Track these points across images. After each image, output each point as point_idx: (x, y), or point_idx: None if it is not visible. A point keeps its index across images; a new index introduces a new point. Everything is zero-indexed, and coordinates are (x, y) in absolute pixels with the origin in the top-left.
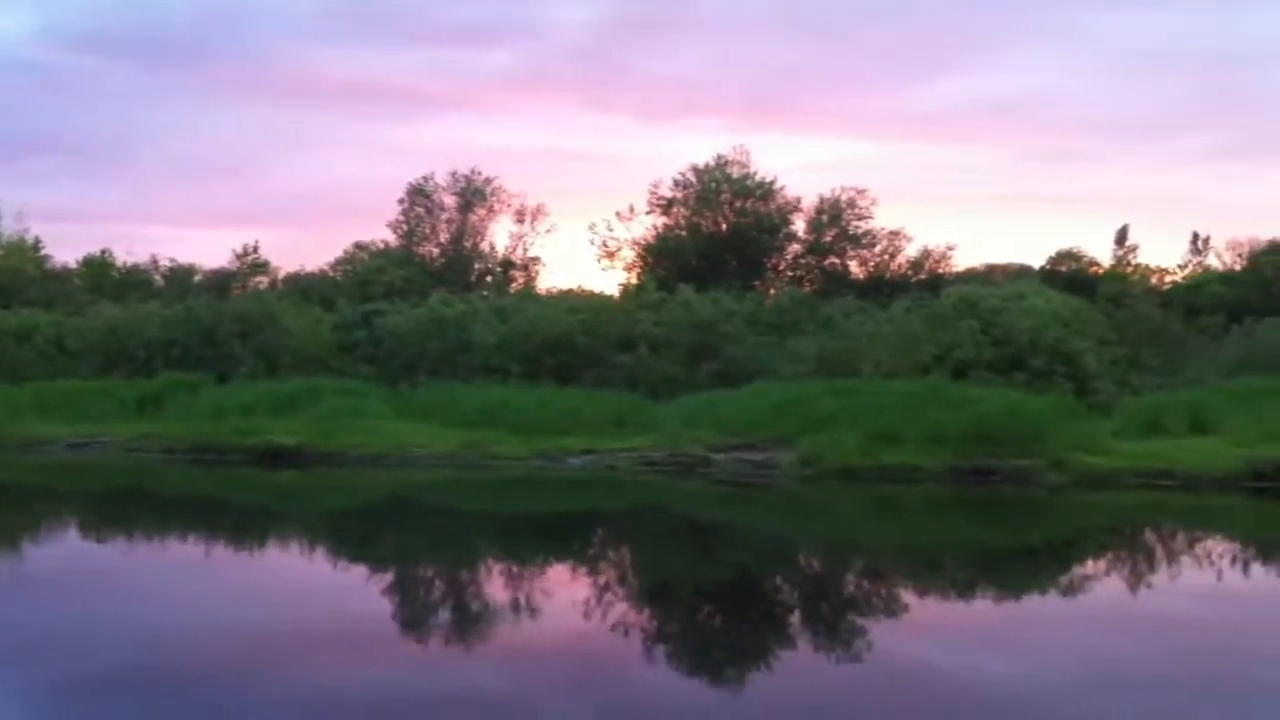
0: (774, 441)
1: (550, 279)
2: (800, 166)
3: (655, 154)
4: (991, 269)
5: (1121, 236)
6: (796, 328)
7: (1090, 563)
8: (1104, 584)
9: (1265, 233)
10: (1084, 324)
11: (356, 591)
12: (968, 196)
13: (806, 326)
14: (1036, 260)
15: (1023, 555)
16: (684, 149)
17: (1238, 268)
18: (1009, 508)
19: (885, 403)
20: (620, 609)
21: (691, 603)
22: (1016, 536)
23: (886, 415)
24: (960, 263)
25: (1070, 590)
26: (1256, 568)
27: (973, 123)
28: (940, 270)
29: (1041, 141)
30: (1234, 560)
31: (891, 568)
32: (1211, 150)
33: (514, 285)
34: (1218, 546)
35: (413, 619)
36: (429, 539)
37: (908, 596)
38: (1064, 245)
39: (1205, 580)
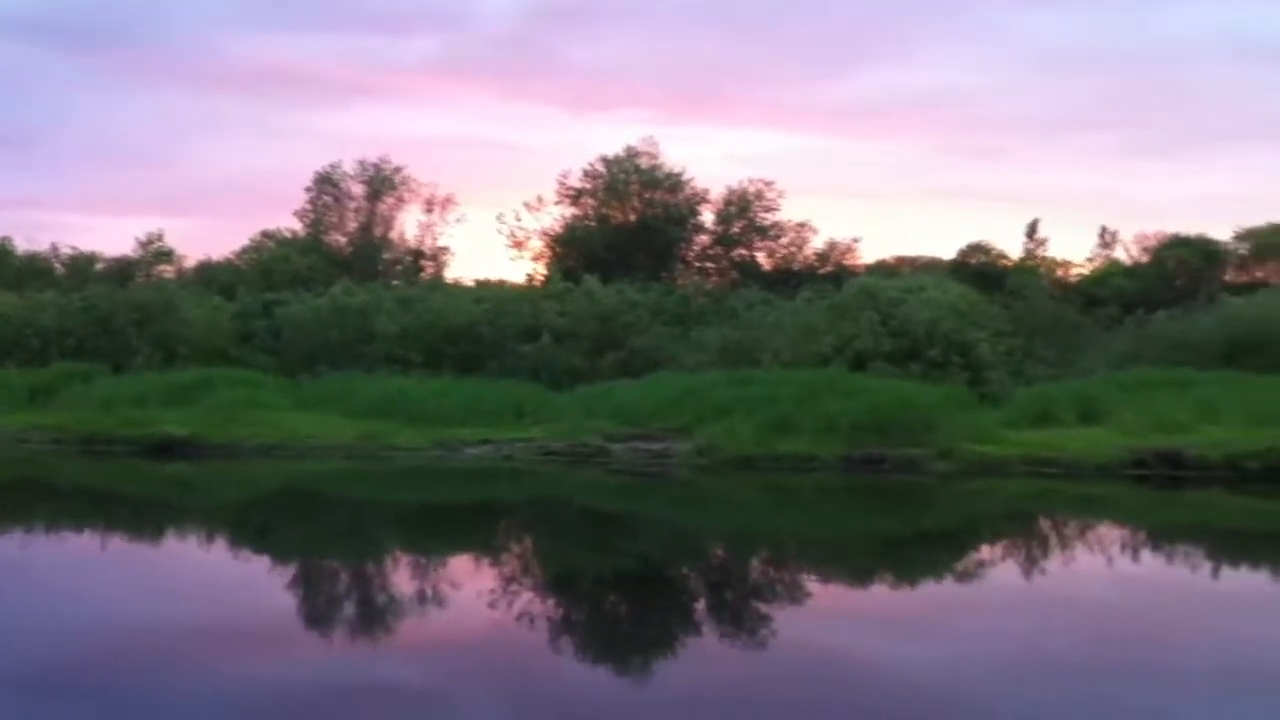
0: (671, 431)
1: (462, 269)
2: (722, 158)
3: (577, 144)
4: (901, 261)
5: (1032, 230)
6: (701, 319)
7: (981, 549)
8: (994, 569)
9: (1172, 228)
10: (980, 316)
11: (246, 585)
12: (886, 191)
13: (711, 317)
14: (951, 253)
15: (916, 542)
16: (606, 140)
17: (1144, 261)
18: (898, 495)
19: (782, 393)
20: (522, 600)
21: (593, 592)
22: (907, 524)
23: (783, 405)
24: (874, 255)
25: (965, 576)
26: (1142, 552)
27: (892, 117)
28: (846, 262)
29: (958, 137)
30: (1121, 545)
31: (792, 556)
32: (1123, 147)
33: (425, 275)
34: (1102, 532)
35: (309, 613)
36: (321, 531)
37: (811, 584)
38: (975, 238)
39: (1091, 564)
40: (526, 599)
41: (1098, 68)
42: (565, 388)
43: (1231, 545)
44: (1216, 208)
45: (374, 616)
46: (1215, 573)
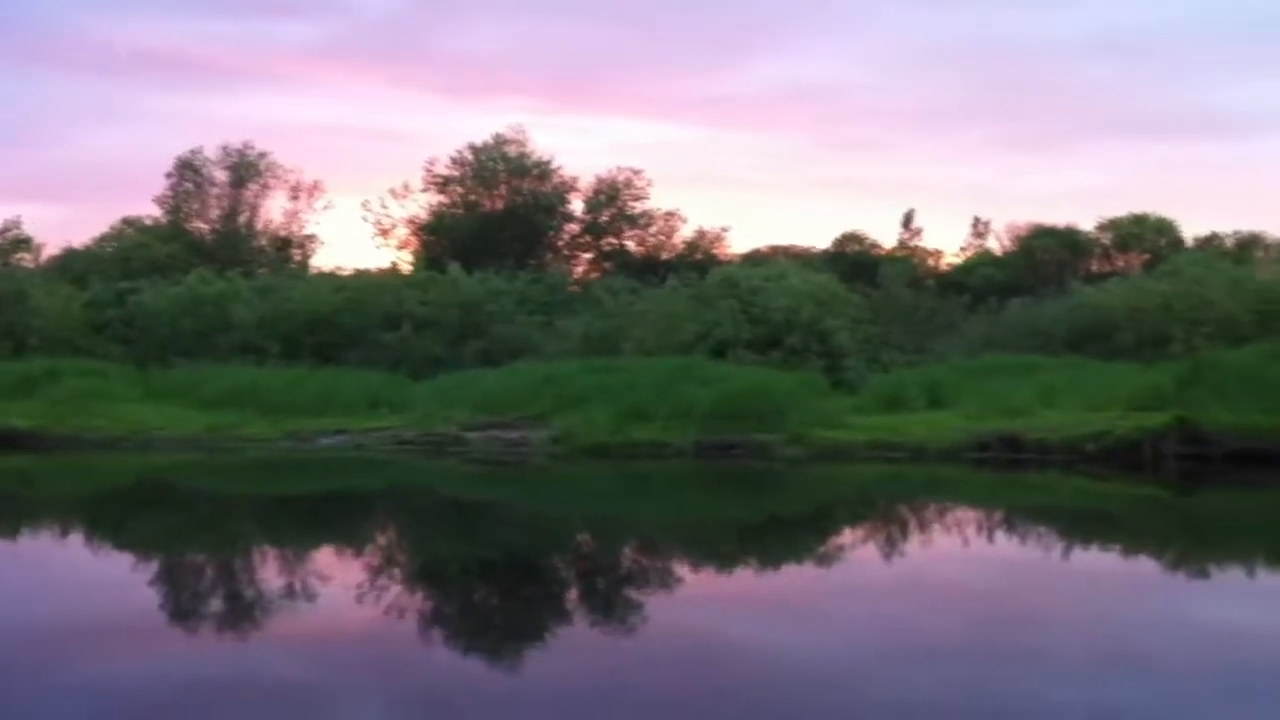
0: (528, 420)
1: (333, 258)
2: (605, 148)
3: (458, 132)
4: (775, 250)
5: (908, 220)
6: (567, 307)
7: (836, 532)
8: (850, 552)
9: (1045, 219)
10: (840, 304)
11: (96, 585)
12: (767, 182)
13: (577, 306)
14: (827, 243)
15: (773, 527)
16: (487, 128)
17: (1011, 251)
18: (749, 481)
19: (640, 380)
20: (388, 592)
21: (457, 583)
22: (761, 508)
23: (639, 393)
24: (750, 245)
25: (823, 559)
26: (988, 533)
27: (772, 109)
28: (715, 251)
29: (837, 129)
30: (968, 526)
31: (654, 542)
32: (998, 140)
33: (294, 264)
34: (948, 513)
35: (166, 611)
36: (168, 525)
37: (677, 570)
38: (853, 228)
39: (940, 544)
40: (390, 590)
41: (973, 62)
42: (426, 377)
43: (1073, 524)
44: (1088, 199)
45: (236, 613)
46: (1064, 551)
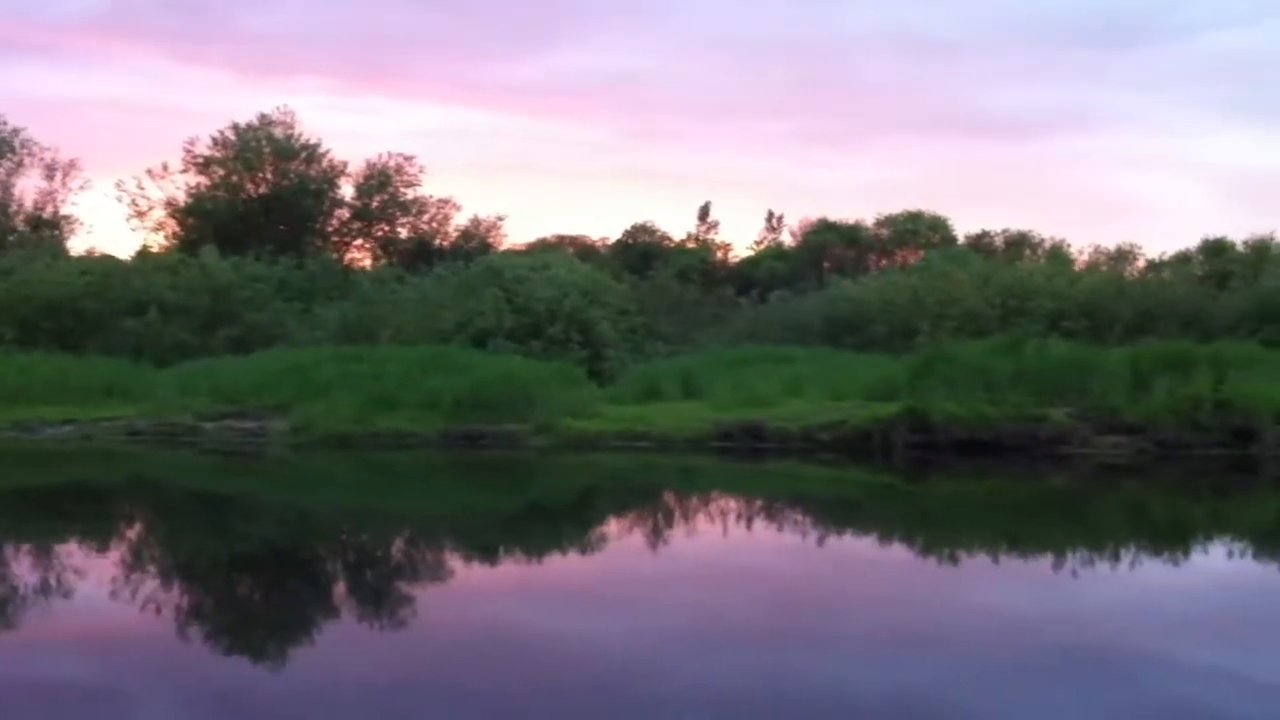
0: (269, 409)
1: (95, 241)
2: (404, 133)
3: (250, 113)
4: (561, 240)
5: (704, 213)
6: (329, 295)
7: (590, 520)
8: (602, 539)
9: (840, 213)
10: (605, 294)
11: None
12: (568, 170)
13: (339, 294)
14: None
15: (528, 517)
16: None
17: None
18: (492, 470)
19: (388, 369)
20: (131, 588)
21: (205, 579)
22: (510, 498)
23: (387, 382)
24: (540, 233)
25: (581, 547)
26: (739, 520)
27: (575, 97)
28: (490, 239)
29: (640, 119)
30: (719, 514)
31: (406, 533)
32: (798, 134)
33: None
34: (699, 501)
35: None
36: None
37: (434, 561)
38: (649, 219)
39: (691, 530)
40: (108, 593)
41: (774, 56)
42: (172, 365)
43: (817, 510)
44: (880, 194)
45: None
46: (816, 537)
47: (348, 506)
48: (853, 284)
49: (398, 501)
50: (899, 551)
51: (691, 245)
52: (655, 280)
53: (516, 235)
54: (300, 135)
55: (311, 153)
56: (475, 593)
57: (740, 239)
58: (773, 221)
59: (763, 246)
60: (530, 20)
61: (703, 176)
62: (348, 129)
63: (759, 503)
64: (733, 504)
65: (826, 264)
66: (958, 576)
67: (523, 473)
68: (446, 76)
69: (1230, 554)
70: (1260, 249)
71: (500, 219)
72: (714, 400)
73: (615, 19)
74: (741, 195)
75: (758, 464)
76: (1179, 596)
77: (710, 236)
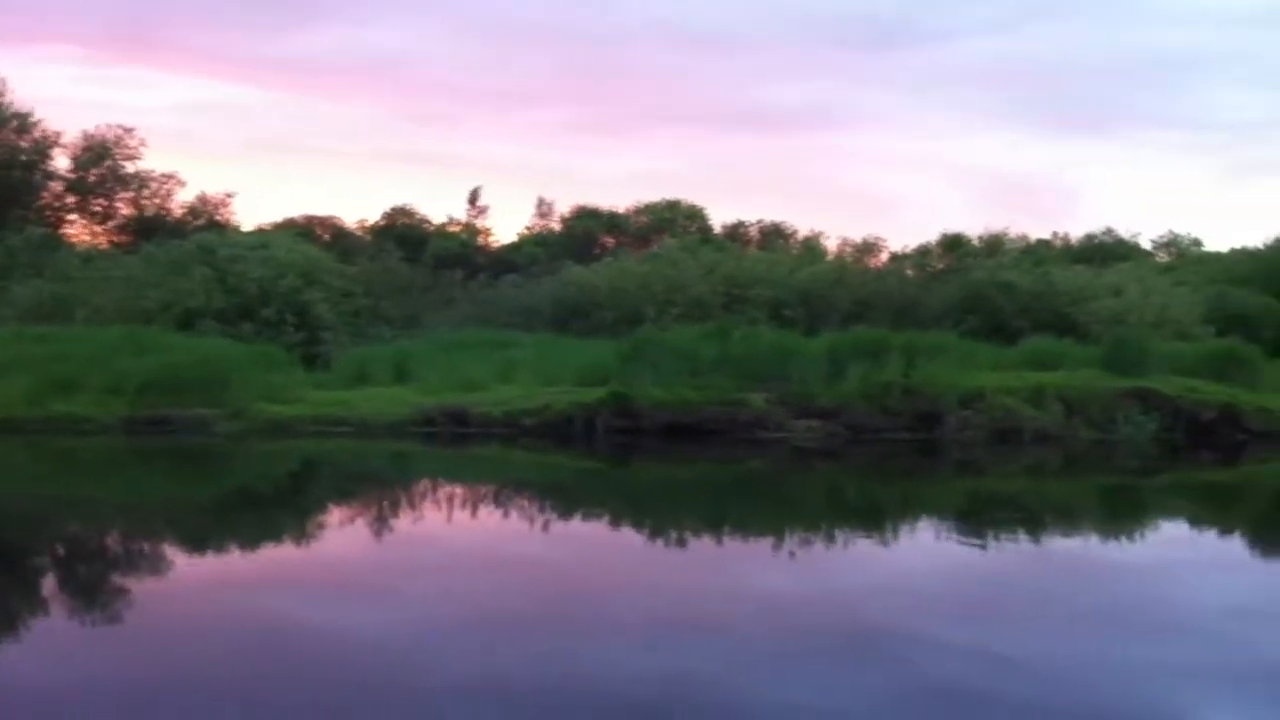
0: None
1: None
2: (161, 106)
3: None
4: (310, 220)
5: (474, 197)
6: (29, 272)
7: (291, 509)
8: (300, 527)
9: (612, 201)
10: (325, 275)
11: None
12: (337, 149)
13: (34, 271)
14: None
15: (221, 507)
16: (31, 78)
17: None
18: (188, 458)
19: (72, 350)
20: None
21: None
22: (197, 487)
23: (69, 364)
24: (285, 214)
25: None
26: (453, 506)
27: (345, 76)
28: (219, 217)
29: (412, 101)
30: (426, 501)
31: (96, 524)
32: (572, 122)
33: None
34: (399, 487)
35: None
36: None
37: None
38: (403, 202)
39: (405, 519)
40: None
41: (549, 43)
42: None
43: (520, 494)
44: (651, 183)
45: None
46: (527, 521)
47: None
48: (584, 270)
49: (74, 491)
50: (622, 535)
51: (453, 229)
52: (381, 261)
53: (265, 216)
54: (10, 104)
55: (23, 122)
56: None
57: (513, 225)
58: (543, 208)
59: (533, 233)
60: None
61: (476, 161)
62: (104, 101)
63: (465, 490)
64: (433, 490)
65: (597, 251)
66: (679, 559)
67: (216, 460)
68: (206, 48)
69: (935, 536)
70: (994, 244)
71: (229, 196)
72: (425, 385)
73: None
74: (515, 182)
75: (460, 449)
76: (884, 573)
77: (479, 222)
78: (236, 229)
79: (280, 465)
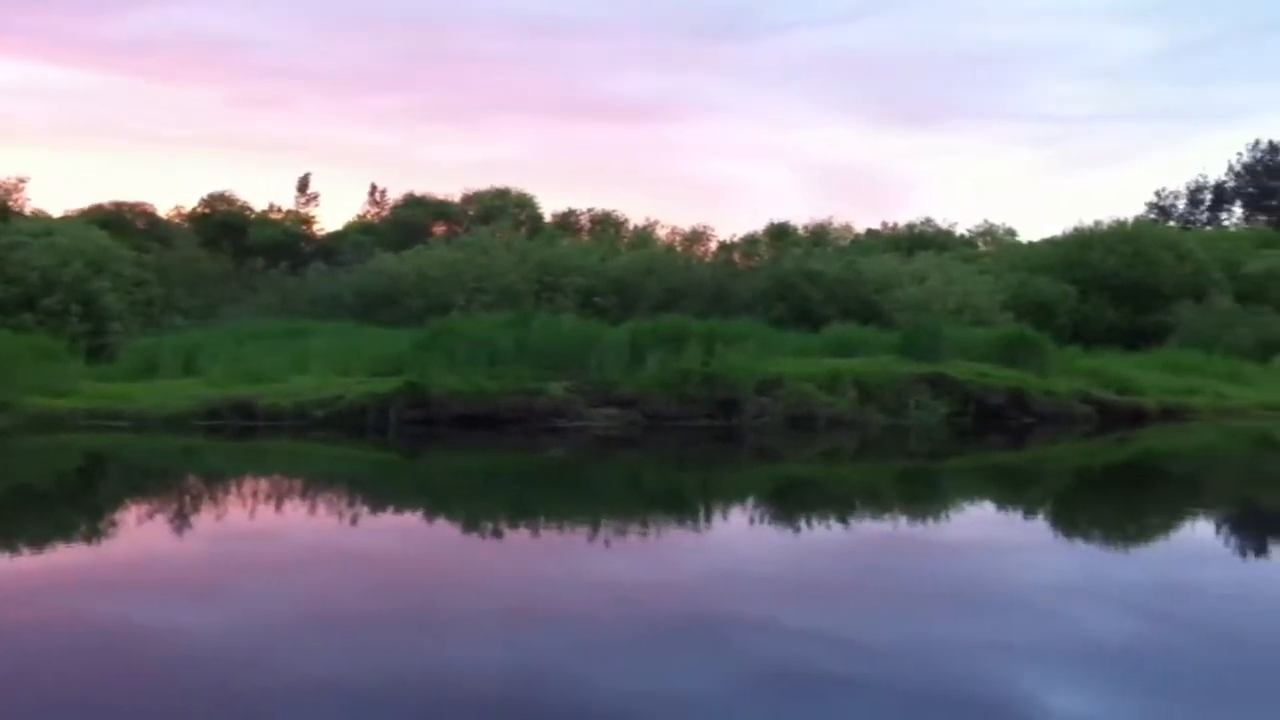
0: None
1: None
2: None
3: None
4: (120, 206)
5: (304, 184)
6: None
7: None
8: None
9: (450, 189)
10: (114, 264)
11: None
12: (165, 135)
13: None
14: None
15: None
16: None
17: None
18: None
19: None
20: None
21: None
22: None
23: None
24: (104, 199)
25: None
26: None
27: (172, 58)
28: (11, 204)
29: (243, 85)
30: (205, 497)
31: None
32: (411, 109)
33: None
34: (174, 483)
35: None
36: None
37: None
38: (227, 188)
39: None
40: None
41: (388, 29)
42: None
43: (314, 489)
44: (493, 171)
45: None
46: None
47: None
48: (392, 257)
49: None
50: (436, 529)
51: (276, 217)
52: (178, 249)
53: (75, 202)
54: None
55: None
56: None
57: (347, 214)
58: (376, 195)
59: (361, 221)
60: None
61: (311, 149)
62: None
63: (253, 484)
64: (223, 485)
65: (430, 240)
66: (495, 551)
67: None
68: (34, 29)
69: (750, 521)
70: (819, 233)
71: (22, 181)
72: (213, 377)
73: None
74: (352, 169)
75: (245, 442)
76: (707, 560)
77: (308, 210)
78: (32, 216)
79: (46, 463)
